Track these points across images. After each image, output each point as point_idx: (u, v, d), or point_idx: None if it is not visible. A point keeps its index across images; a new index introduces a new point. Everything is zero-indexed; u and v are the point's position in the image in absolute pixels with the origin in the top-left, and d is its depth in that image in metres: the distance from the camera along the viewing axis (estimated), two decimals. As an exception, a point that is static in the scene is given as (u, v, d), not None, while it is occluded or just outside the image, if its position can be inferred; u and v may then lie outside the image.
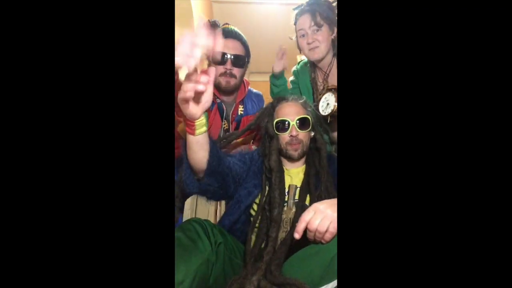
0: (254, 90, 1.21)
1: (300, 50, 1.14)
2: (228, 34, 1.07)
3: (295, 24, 1.12)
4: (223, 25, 1.12)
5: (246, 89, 1.16)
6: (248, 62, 1.11)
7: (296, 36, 1.13)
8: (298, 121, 0.90)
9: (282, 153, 0.92)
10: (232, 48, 1.04)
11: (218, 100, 1.11)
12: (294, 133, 0.89)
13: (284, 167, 0.92)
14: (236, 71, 1.06)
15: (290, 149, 0.89)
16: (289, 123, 0.90)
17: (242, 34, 1.11)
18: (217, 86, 1.07)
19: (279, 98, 1.01)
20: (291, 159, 0.92)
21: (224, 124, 1.11)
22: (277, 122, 0.92)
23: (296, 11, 1.12)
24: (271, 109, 0.98)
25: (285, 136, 0.90)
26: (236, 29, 1.11)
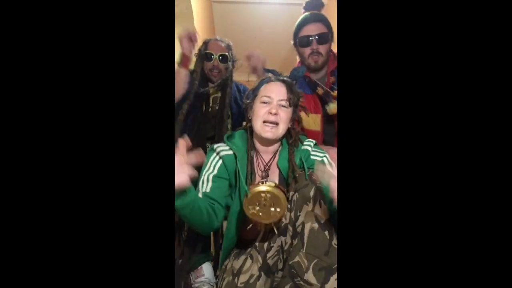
0: None
1: (250, 118, 0.90)
2: (309, 19, 1.16)
3: (259, 89, 0.90)
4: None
5: (336, 59, 1.18)
6: (332, 36, 1.17)
7: (252, 99, 0.90)
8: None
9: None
10: (314, 30, 1.14)
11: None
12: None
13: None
14: (322, 48, 1.14)
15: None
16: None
17: (320, 13, 1.19)
18: (307, 67, 1.17)
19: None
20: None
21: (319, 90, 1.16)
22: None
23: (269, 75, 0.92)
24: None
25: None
26: (313, 12, 1.19)
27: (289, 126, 0.89)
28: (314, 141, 0.93)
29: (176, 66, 1.12)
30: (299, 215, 0.73)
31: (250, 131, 0.92)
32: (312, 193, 0.74)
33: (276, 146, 0.91)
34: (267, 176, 0.89)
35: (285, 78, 0.90)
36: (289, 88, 0.87)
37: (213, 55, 1.25)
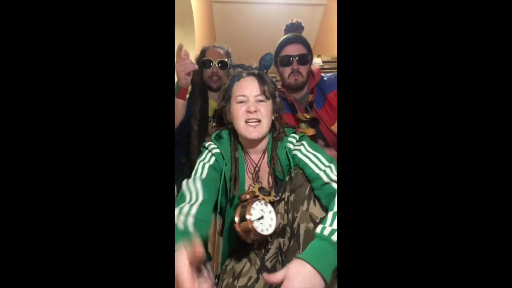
0: (328, 74, 1.29)
1: (231, 121, 0.86)
2: (290, 40, 1.20)
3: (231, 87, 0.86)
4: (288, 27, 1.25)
5: (317, 77, 1.23)
6: (311, 58, 1.22)
7: (228, 101, 0.87)
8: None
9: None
10: (295, 50, 1.18)
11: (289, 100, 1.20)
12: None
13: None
14: (302, 69, 1.18)
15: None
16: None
17: (301, 36, 1.23)
18: (287, 86, 1.21)
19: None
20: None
21: (302, 115, 1.20)
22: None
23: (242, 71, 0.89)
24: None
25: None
26: (295, 34, 1.23)
27: (273, 118, 0.85)
28: (298, 135, 0.87)
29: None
30: (296, 216, 0.72)
31: (233, 133, 0.88)
32: (307, 192, 0.73)
33: (264, 143, 0.86)
34: (258, 178, 0.86)
35: (255, 71, 0.86)
36: (261, 80, 0.83)
37: (212, 62, 1.23)
